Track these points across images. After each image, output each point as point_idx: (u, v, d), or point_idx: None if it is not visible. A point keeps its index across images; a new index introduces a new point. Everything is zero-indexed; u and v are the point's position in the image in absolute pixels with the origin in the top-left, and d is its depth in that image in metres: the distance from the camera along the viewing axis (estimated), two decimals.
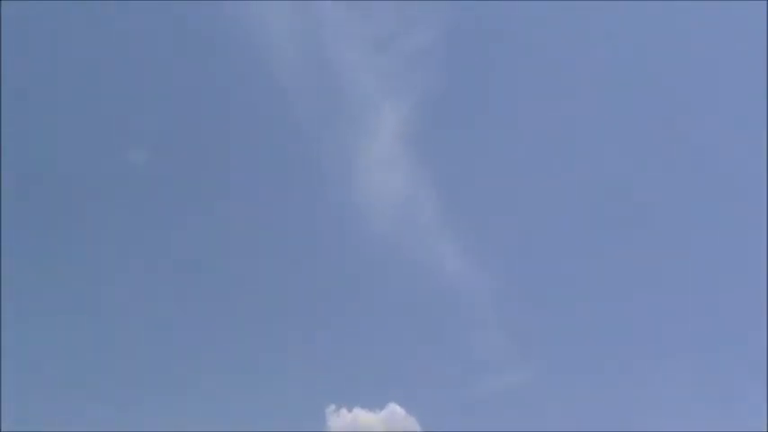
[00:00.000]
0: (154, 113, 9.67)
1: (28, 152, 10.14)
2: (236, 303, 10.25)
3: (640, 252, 9.86)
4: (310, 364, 9.98)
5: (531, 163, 9.08)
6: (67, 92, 9.83)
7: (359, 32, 8.92)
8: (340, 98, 9.33)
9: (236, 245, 9.91)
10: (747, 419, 9.05)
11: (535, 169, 9.14)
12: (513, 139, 9.03)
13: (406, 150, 9.31)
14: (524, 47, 9.15)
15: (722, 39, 9.85)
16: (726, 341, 9.36)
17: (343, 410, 12.65)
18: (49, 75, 10.13)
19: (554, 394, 10.32)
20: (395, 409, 12.81)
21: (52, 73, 10.43)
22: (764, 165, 9.58)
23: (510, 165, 9.17)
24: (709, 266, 9.48)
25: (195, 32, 9.68)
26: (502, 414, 9.78)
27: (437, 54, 9.06)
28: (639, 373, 9.33)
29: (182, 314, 10.38)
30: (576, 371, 9.47)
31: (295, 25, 9.11)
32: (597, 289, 9.42)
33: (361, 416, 12.93)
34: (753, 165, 9.87)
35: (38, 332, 10.34)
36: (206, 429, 9.81)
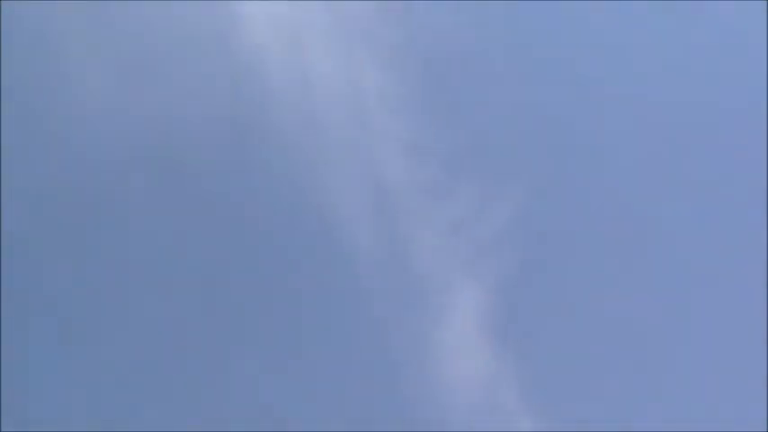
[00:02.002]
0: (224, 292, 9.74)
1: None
2: None
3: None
4: None
5: (607, 346, 9.12)
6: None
7: (433, 215, 9.18)
8: (413, 281, 9.42)
9: None
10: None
11: (609, 355, 9.18)
12: (590, 325, 9.09)
13: (482, 337, 9.34)
14: (602, 229, 9.34)
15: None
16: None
17: None
18: None
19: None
20: None
21: None
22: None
23: (588, 350, 9.16)
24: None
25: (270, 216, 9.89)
26: None
27: (512, 237, 9.24)
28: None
29: None
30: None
31: (368, 207, 9.36)
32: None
33: None
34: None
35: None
36: None
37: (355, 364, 8.42)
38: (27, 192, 8.53)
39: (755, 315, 8.41)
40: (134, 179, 8.52)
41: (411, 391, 8.60)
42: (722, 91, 9.05)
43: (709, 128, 9.07)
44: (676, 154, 8.69)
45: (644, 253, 8.41)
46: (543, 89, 8.71)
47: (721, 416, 8.01)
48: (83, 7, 8.63)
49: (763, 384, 7.98)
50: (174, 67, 8.42)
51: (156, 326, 8.44)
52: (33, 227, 8.74)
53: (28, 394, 8.37)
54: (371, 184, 8.43)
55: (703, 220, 8.37)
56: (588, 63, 8.79)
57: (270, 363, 8.19)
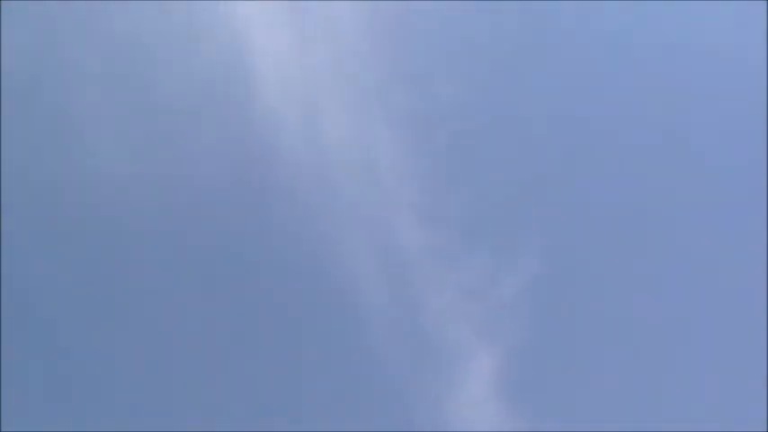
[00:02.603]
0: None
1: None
2: None
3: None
4: None
5: (620, 410, 9.16)
6: None
7: (447, 280, 9.04)
8: (426, 345, 9.35)
9: None
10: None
11: (623, 418, 9.23)
12: (605, 387, 9.07)
13: (498, 400, 9.32)
14: (613, 294, 9.24)
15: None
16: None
17: None
18: None
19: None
20: None
21: None
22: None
23: (601, 414, 9.19)
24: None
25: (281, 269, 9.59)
26: None
27: (527, 302, 9.15)
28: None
29: None
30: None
31: (382, 272, 9.16)
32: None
33: None
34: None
35: None
36: None
37: (371, 428, 8.63)
38: (36, 251, 8.43)
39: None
40: (146, 240, 8.46)
41: None
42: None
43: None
44: (688, 206, 8.74)
45: (652, 316, 8.60)
46: (558, 157, 8.69)
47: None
48: (98, 67, 8.37)
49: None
50: (187, 131, 8.25)
51: (168, 388, 8.52)
52: (40, 281, 8.69)
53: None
54: (385, 249, 8.46)
55: (714, 271, 8.54)
56: (601, 127, 8.74)
57: (286, 427, 8.37)
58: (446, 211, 8.66)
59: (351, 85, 8.46)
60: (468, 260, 8.47)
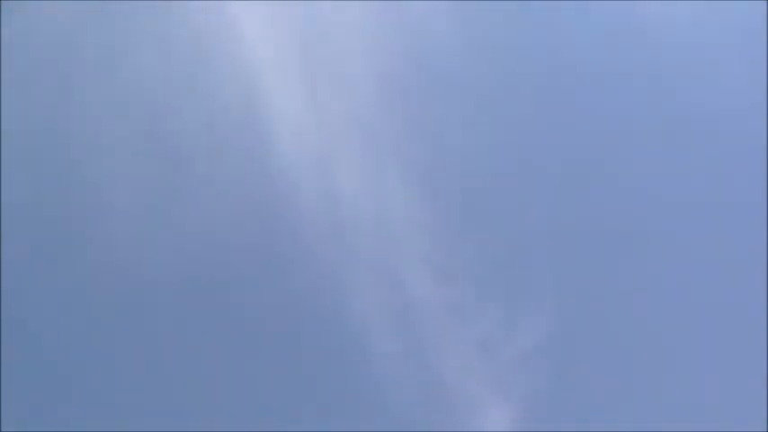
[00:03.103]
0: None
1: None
2: None
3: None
4: None
5: None
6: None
7: (460, 334, 8.99)
8: (440, 400, 9.27)
9: None
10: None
11: None
12: None
13: None
14: (630, 349, 9.20)
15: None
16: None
17: None
18: None
19: None
20: None
21: None
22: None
23: None
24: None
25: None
26: None
27: (542, 357, 9.06)
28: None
29: None
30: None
31: (394, 327, 9.15)
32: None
33: None
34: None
35: None
36: None
37: None
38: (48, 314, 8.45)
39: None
40: (157, 291, 8.45)
41: None
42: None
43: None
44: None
45: (669, 374, 8.49)
46: (573, 211, 8.64)
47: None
48: (108, 121, 8.40)
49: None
50: (198, 184, 8.25)
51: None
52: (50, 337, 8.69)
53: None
54: (398, 303, 8.41)
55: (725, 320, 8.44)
56: (617, 179, 8.68)
57: None
58: (460, 264, 8.60)
59: (364, 138, 8.45)
60: (481, 314, 8.38)
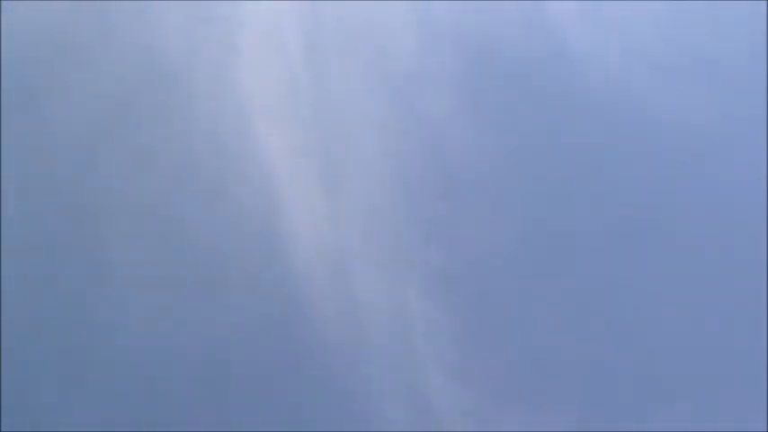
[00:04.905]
0: None
1: None
2: None
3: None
4: None
5: None
6: None
7: None
8: None
9: None
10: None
11: None
12: None
13: None
14: None
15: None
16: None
17: None
18: None
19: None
20: None
21: None
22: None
23: None
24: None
25: None
26: None
27: None
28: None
29: None
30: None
31: None
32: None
33: None
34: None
35: None
36: None
37: None
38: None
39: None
40: (173, 404, 8.43)
41: None
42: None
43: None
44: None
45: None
46: (591, 317, 8.63)
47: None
48: (126, 226, 8.44)
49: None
50: (215, 290, 8.26)
51: None
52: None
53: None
54: (416, 409, 8.36)
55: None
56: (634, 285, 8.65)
57: None
58: (477, 369, 8.57)
59: (381, 242, 8.47)
60: (500, 420, 8.32)
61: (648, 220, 9.17)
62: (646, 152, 9.49)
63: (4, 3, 8.40)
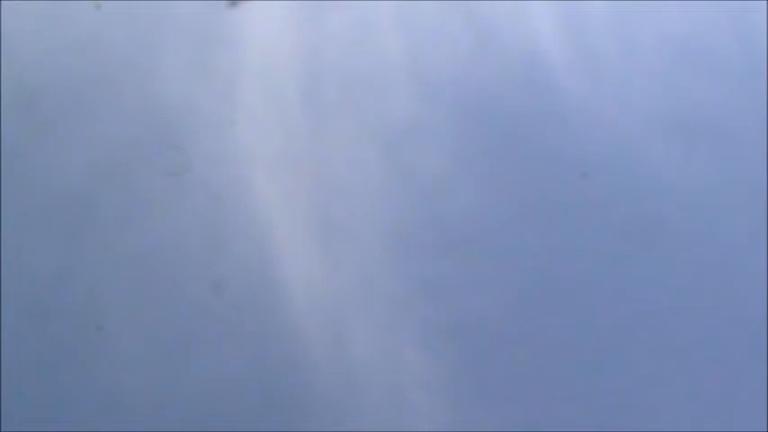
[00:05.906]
0: None
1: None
2: None
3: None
4: None
5: None
6: None
7: None
8: None
9: None
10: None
11: None
12: None
13: None
14: None
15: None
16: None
17: None
18: None
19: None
20: None
21: None
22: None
23: None
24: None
25: None
26: None
27: None
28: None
29: None
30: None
31: None
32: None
33: None
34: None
35: None
36: None
37: None
38: None
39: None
40: None
41: None
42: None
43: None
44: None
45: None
46: (591, 370, 8.64)
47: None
48: (121, 281, 8.49)
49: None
50: (210, 344, 8.23)
51: None
52: None
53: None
54: None
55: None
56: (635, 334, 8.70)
57: None
58: (474, 427, 8.52)
59: (377, 298, 8.48)
60: None
61: (650, 278, 9.17)
62: (648, 214, 9.51)
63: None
